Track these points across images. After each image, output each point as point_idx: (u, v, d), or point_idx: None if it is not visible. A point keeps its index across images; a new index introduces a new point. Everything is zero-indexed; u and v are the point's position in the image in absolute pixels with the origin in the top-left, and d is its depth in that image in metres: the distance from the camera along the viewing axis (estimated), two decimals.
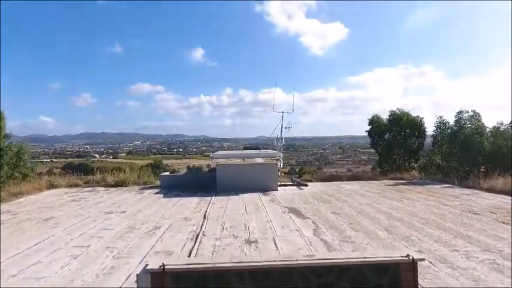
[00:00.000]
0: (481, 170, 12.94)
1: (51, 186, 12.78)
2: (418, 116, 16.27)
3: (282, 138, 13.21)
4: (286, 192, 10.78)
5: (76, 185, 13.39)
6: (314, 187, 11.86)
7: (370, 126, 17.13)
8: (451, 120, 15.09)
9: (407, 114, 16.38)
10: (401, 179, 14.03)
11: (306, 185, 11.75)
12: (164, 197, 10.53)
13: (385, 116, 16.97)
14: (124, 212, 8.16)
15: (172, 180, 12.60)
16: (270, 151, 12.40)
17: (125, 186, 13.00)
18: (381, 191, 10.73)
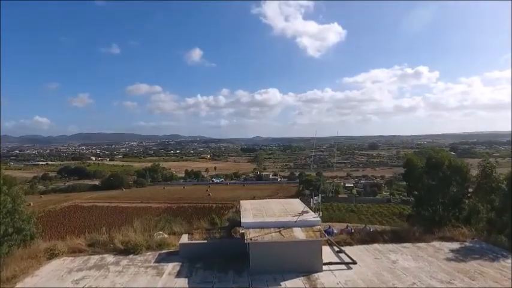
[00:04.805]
0: None
1: (52, 255, 10.91)
2: (462, 161, 14.60)
3: (318, 196, 11.50)
4: (335, 279, 9.01)
5: (80, 251, 11.52)
6: (362, 263, 10.08)
7: (406, 169, 15.43)
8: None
9: (448, 157, 14.70)
10: (452, 239, 12.30)
11: (355, 263, 9.97)
12: (189, 284, 8.75)
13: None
14: None
15: (193, 249, 10.82)
16: (308, 217, 10.57)
17: (137, 254, 11.18)
18: (450, 277, 8.96)
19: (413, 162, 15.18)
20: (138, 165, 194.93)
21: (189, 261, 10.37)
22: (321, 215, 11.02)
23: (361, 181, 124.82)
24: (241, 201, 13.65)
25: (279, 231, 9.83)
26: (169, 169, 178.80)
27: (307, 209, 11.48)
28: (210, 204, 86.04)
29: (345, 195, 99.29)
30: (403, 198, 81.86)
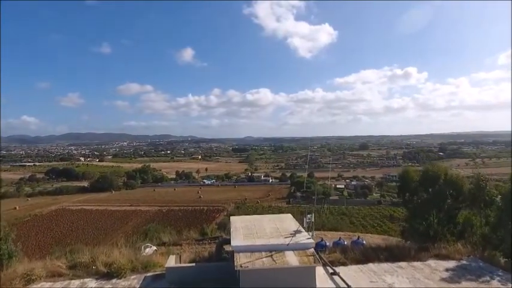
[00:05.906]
0: None
1: (29, 281, 10.24)
2: (457, 175, 14.33)
3: (311, 215, 11.05)
4: None
5: (60, 275, 10.88)
6: (357, 286, 9.67)
7: (401, 182, 15.11)
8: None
9: (444, 170, 14.41)
10: (448, 257, 12.01)
11: None
12: None
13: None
14: None
15: (180, 273, 10.28)
16: (301, 239, 10.13)
17: (120, 278, 10.59)
18: None
19: (409, 175, 14.86)
20: (128, 166, 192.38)
21: (176, 286, 9.84)
22: (314, 235, 10.61)
23: (352, 182, 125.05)
24: (231, 218, 13.11)
25: (271, 256, 9.36)
26: (160, 170, 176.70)
27: (300, 228, 11.05)
28: (201, 207, 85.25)
29: (336, 197, 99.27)
30: (393, 200, 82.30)
